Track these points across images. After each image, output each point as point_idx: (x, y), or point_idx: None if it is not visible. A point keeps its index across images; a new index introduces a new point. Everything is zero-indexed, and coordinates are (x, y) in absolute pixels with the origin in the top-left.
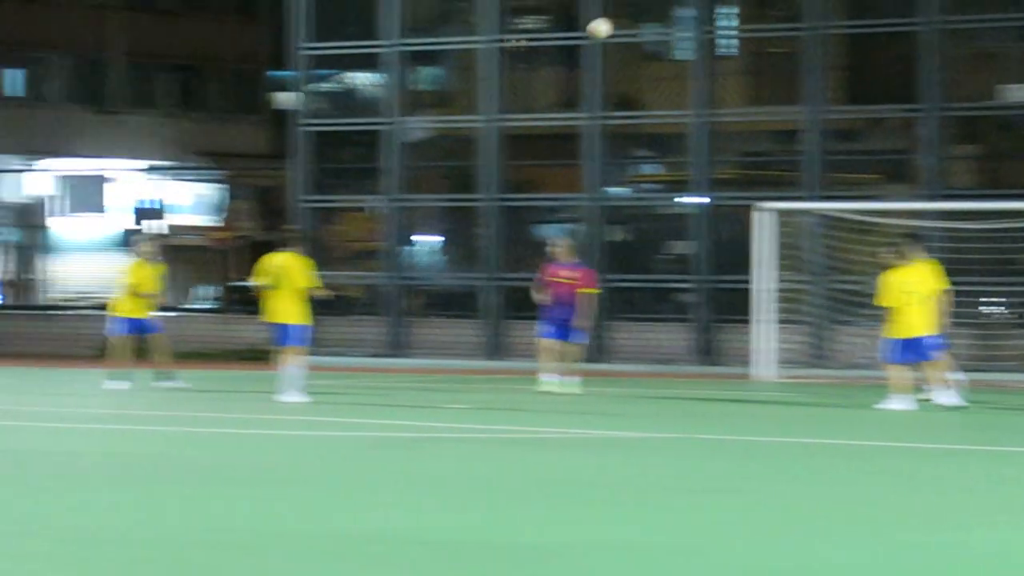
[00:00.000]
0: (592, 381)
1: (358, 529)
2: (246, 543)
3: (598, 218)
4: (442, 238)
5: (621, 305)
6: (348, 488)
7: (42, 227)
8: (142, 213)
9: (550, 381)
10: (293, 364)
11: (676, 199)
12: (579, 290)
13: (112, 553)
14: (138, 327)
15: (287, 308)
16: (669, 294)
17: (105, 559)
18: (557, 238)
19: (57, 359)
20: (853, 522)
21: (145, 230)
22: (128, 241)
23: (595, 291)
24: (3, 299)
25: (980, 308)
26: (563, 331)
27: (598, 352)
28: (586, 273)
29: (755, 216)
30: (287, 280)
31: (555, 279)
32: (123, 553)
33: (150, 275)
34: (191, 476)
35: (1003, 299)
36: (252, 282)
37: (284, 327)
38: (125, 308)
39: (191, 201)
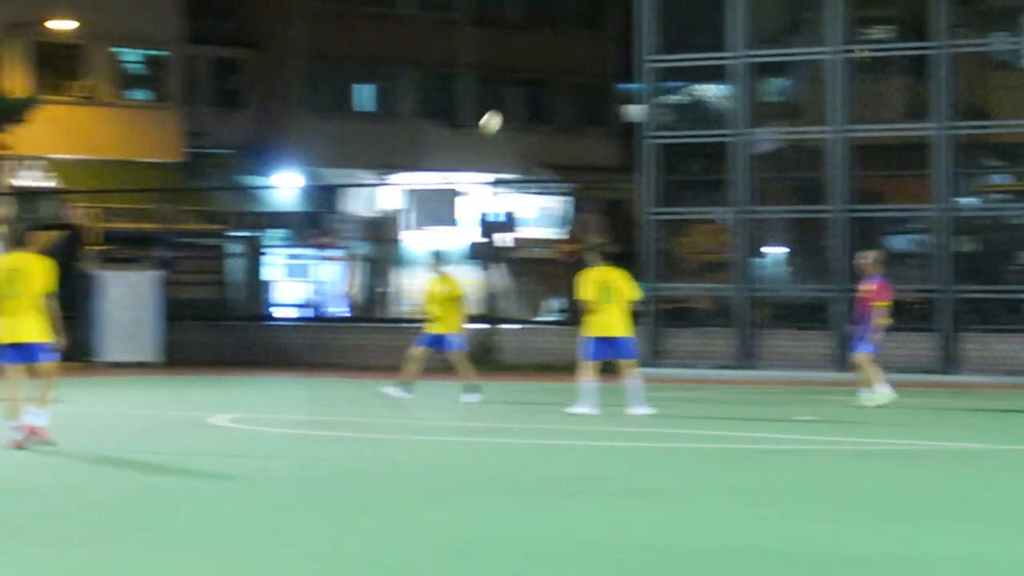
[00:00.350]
0: (942, 392)
1: (715, 541)
2: (609, 555)
3: (947, 229)
4: (790, 249)
5: (971, 316)
6: (700, 500)
7: (394, 241)
8: (489, 226)
9: (878, 393)
10: (634, 376)
11: None
12: (872, 303)
13: (484, 565)
14: (438, 342)
15: (619, 321)
16: (1021, 305)
17: (484, 570)
18: (865, 252)
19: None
20: None
21: (497, 243)
22: (474, 254)
23: (885, 304)
24: (350, 311)
25: None
26: (856, 342)
27: (948, 363)
28: (881, 286)
29: None
30: (616, 294)
31: (859, 293)
32: (497, 564)
33: (437, 290)
34: (549, 487)
35: None
36: (578, 298)
37: (619, 340)
38: (434, 321)
39: (539, 214)
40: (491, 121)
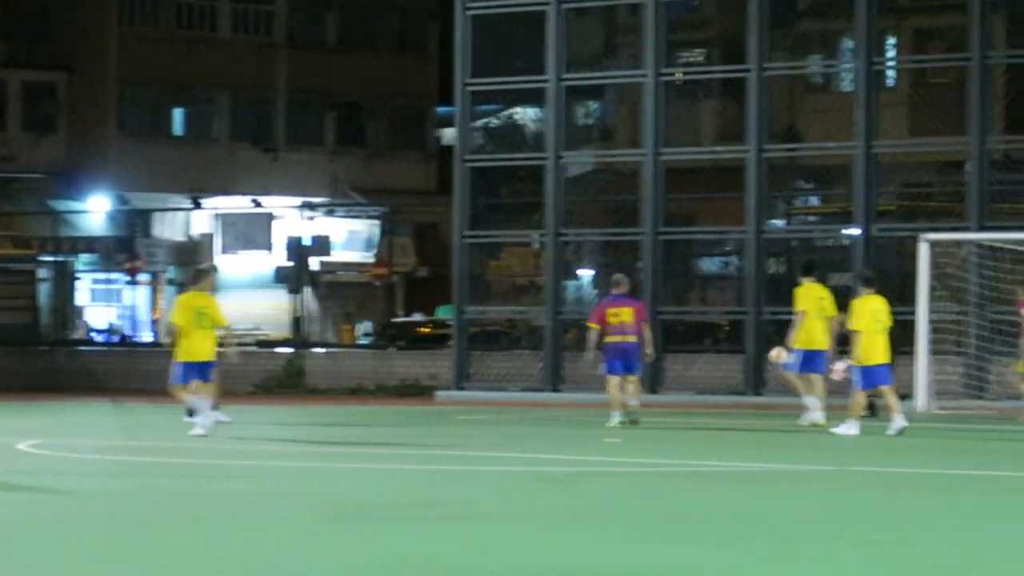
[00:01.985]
0: (748, 414)
1: (527, 565)
2: None
3: (758, 250)
4: (598, 272)
5: (778, 337)
6: (512, 523)
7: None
8: (297, 250)
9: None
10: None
11: (839, 230)
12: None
13: None
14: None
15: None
16: None
17: None
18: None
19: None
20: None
21: (306, 266)
22: (281, 277)
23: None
24: (155, 337)
25: None
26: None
27: (755, 385)
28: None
29: (920, 247)
30: (208, 320)
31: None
32: None
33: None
34: (362, 512)
35: None
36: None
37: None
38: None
39: (349, 238)
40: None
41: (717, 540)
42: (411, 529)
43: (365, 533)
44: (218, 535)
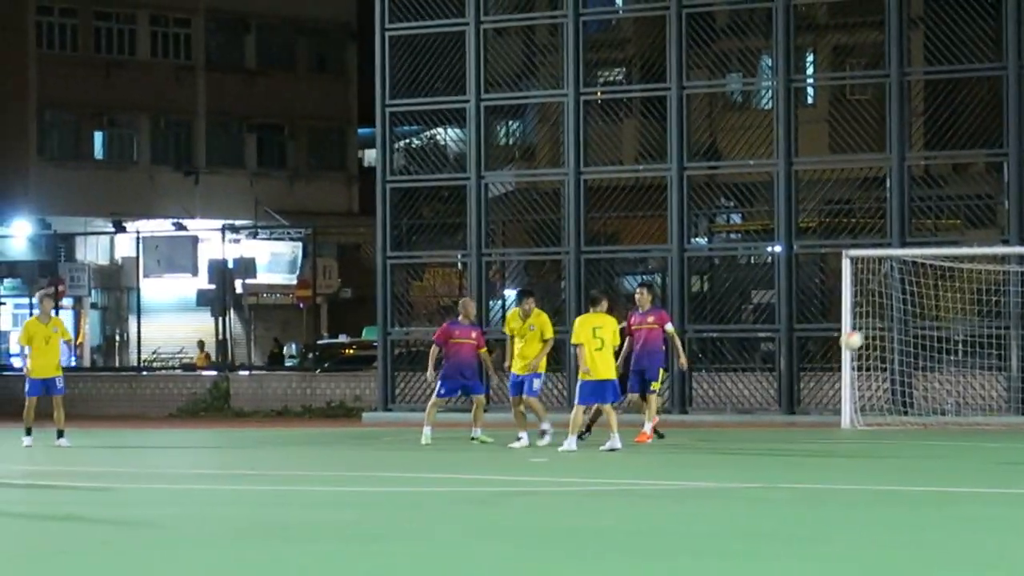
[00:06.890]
0: (674, 432)
1: None
2: None
3: (681, 268)
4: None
5: (704, 355)
6: (435, 542)
7: (130, 289)
8: (219, 272)
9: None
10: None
11: (762, 247)
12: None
13: None
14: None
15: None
16: (753, 343)
17: None
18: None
19: (145, 420)
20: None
21: (229, 289)
22: (203, 301)
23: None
24: (76, 361)
25: None
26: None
27: (680, 402)
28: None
29: (843, 263)
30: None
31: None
32: None
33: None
34: (292, 532)
35: None
36: None
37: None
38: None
39: (271, 260)
40: (853, 340)
41: (625, 556)
42: (320, 551)
43: (277, 555)
44: (128, 561)
